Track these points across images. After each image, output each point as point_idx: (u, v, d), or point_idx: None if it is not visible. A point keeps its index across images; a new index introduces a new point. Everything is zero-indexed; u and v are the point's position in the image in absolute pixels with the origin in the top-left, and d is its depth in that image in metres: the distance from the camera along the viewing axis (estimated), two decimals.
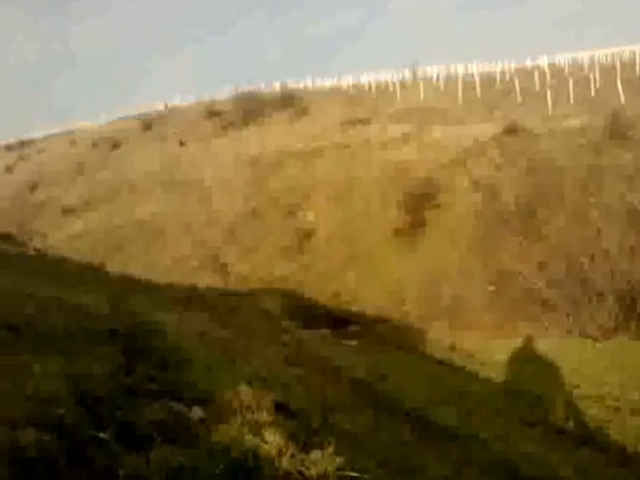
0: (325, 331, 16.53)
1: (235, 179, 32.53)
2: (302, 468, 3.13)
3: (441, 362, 13.51)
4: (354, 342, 15.08)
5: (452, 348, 15.27)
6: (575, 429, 9.55)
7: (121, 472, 2.87)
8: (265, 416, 3.79)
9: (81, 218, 35.81)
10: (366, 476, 3.27)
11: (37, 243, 32.17)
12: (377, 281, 22.24)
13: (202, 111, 48.46)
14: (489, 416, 8.94)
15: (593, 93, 33.34)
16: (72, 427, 3.23)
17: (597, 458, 8.10)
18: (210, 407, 4.01)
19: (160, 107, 57.53)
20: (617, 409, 10.22)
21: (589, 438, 9.09)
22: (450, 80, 43.52)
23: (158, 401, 4.01)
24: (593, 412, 10.14)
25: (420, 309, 20.29)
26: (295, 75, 65.96)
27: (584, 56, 45.47)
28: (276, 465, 3.10)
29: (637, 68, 36.56)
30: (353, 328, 18.55)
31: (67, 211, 37.62)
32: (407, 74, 48.27)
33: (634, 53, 42.36)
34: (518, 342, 13.88)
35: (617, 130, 24.32)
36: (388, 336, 17.22)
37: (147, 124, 50.93)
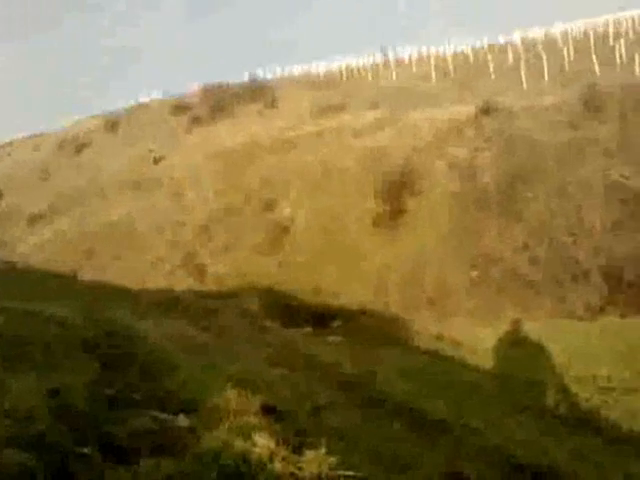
0: (308, 329, 16.57)
1: (207, 175, 32.33)
2: (295, 470, 3.16)
3: (428, 352, 13.62)
4: (338, 338, 15.14)
5: (439, 337, 15.38)
6: (568, 412, 9.69)
7: None
8: (253, 419, 3.82)
9: (49, 225, 35.39)
10: (360, 474, 3.32)
11: (5, 254, 31.81)
12: (358, 273, 22.30)
13: (169, 107, 48.07)
14: (480, 404, 9.05)
15: (567, 67, 33.66)
16: (53, 443, 3.23)
17: (592, 440, 8.24)
18: (196, 414, 4.03)
19: (126, 105, 56.89)
20: (610, 389, 10.38)
21: (583, 420, 9.23)
22: (422, 61, 43.66)
23: (142, 411, 4.02)
24: (586, 394, 10.29)
25: (403, 299, 20.38)
26: (262, 64, 65.45)
27: (557, 30, 45.85)
28: (268, 469, 3.13)
29: (610, 39, 36.95)
30: (336, 323, 18.60)
31: (34, 219, 37.13)
32: (378, 57, 48.35)
33: (607, 24, 42.86)
34: (505, 327, 14.02)
35: (593, 103, 24.56)
36: (373, 329, 17.29)
37: (112, 123, 50.37)
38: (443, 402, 8.33)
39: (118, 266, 27.29)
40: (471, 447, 6.14)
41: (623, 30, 40.06)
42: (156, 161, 36.26)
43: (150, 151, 35.92)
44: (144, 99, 57.27)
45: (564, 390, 10.28)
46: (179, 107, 47.03)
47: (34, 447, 3.15)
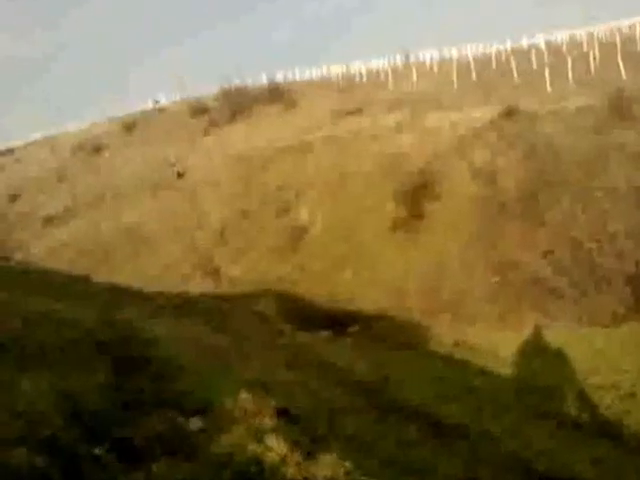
0: (324, 332, 16.56)
1: (224, 178, 32.48)
2: (308, 475, 3.16)
3: (446, 358, 13.55)
4: (355, 342, 15.11)
5: (457, 343, 15.29)
6: (590, 421, 9.59)
7: None
8: (267, 422, 3.83)
9: (64, 227, 35.72)
10: (375, 479, 3.30)
11: (19, 256, 32.15)
12: (375, 278, 22.24)
13: (187, 110, 48.38)
14: (499, 412, 8.98)
15: (593, 71, 33.41)
16: (65, 445, 3.25)
17: (615, 450, 8.14)
18: (209, 416, 4.04)
19: (143, 106, 57.41)
20: (633, 397, 10.25)
21: (605, 429, 9.13)
22: (444, 64, 43.56)
23: (155, 413, 4.04)
24: (608, 402, 10.16)
25: (422, 304, 20.29)
26: (282, 68, 65.72)
27: (582, 32, 45.57)
28: (281, 472, 3.13)
29: (638, 43, 36.64)
30: (353, 328, 18.57)
31: (49, 221, 37.51)
32: (399, 60, 48.32)
33: (634, 27, 42.49)
34: (525, 333, 13.92)
35: (619, 108, 24.34)
36: (389, 334, 17.24)
37: (130, 125, 50.79)
38: (460, 408, 8.28)
39: (133, 269, 27.48)
40: (488, 453, 6.10)
41: None
42: (179, 175, 34.73)
43: (172, 165, 34.35)
44: (162, 101, 57.78)
45: (585, 398, 10.18)
46: (197, 109, 47.38)
47: (46, 448, 3.18)
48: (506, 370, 12.03)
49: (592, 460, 7.31)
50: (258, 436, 3.46)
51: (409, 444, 5.60)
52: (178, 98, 55.93)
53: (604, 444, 8.29)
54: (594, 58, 34.56)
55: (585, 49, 38.38)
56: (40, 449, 3.20)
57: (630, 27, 43.94)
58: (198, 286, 24.05)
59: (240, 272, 26.13)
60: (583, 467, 6.74)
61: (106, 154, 46.67)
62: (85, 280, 16.30)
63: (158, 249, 29.56)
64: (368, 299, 21.35)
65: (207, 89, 52.46)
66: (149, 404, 4.35)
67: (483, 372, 12.03)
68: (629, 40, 38.25)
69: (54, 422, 3.53)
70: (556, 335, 13.75)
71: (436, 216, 23.25)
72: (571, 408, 9.88)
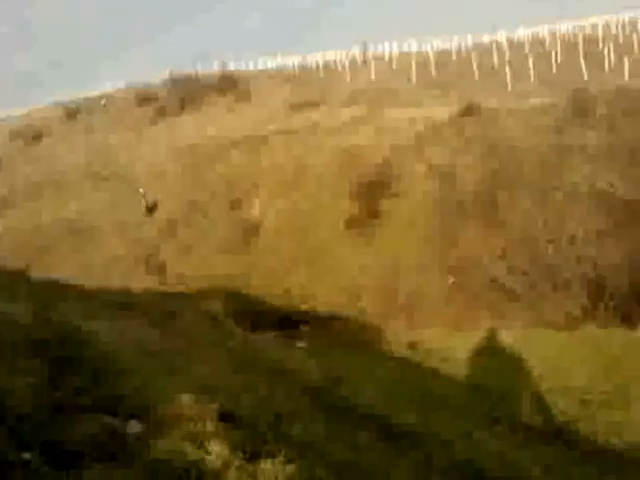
0: (275, 333, 16.53)
1: (172, 171, 32.14)
2: (250, 479, 3.15)
3: (400, 361, 13.66)
4: (306, 344, 15.13)
5: (412, 346, 15.44)
6: (543, 425, 9.79)
7: None
8: (209, 427, 3.79)
9: (1, 218, 34.86)
10: None
11: None
12: (330, 277, 22.31)
13: (134, 97, 47.70)
14: (452, 415, 9.11)
15: (555, 69, 34.10)
16: None
17: (566, 454, 8.33)
18: (148, 420, 3.99)
19: (87, 93, 56.37)
20: (586, 402, 10.49)
21: (558, 433, 9.33)
22: (403, 58, 43.90)
23: (90, 416, 3.96)
24: (561, 406, 10.39)
25: (377, 305, 20.44)
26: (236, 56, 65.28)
27: (545, 30, 46.45)
28: (222, 477, 3.11)
29: (600, 42, 37.54)
30: (305, 328, 18.60)
31: None
32: (357, 53, 48.48)
33: (596, 27, 43.54)
34: (480, 335, 14.12)
35: (580, 108, 24.87)
36: (343, 335, 17.33)
37: (72, 113, 49.85)
38: (413, 412, 8.37)
39: (74, 264, 26.97)
40: (440, 459, 6.17)
41: (612, 33, 40.76)
42: (150, 209, 30.27)
43: (142, 197, 30.47)
44: (107, 88, 56.85)
45: (539, 402, 10.39)
46: (144, 97, 46.72)
47: None
48: (460, 372, 12.20)
49: (544, 464, 7.47)
50: (199, 440, 3.43)
51: (359, 448, 5.62)
52: (124, 85, 55.07)
53: (556, 448, 8.48)
54: (556, 57, 35.28)
55: (547, 47, 39.15)
56: None
57: (592, 27, 45.00)
58: (143, 282, 23.72)
59: (188, 268, 25.90)
60: (535, 471, 6.88)
61: (47, 142, 45.68)
62: (21, 274, 15.91)
63: (101, 242, 29.09)
64: (322, 299, 21.42)
65: (155, 76, 51.87)
66: (84, 407, 4.27)
67: (437, 375, 12.18)
68: (591, 40, 39.16)
69: None
70: (511, 337, 13.99)
71: (392, 214, 23.44)
72: (524, 411, 10.07)
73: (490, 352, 13.06)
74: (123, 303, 13.78)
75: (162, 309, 14.25)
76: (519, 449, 7.91)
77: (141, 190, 30.55)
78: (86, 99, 54.28)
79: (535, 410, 10.08)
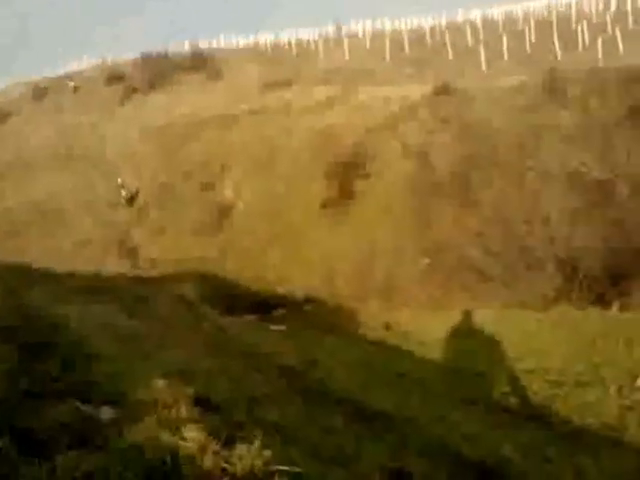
0: (249, 317, 16.54)
1: (142, 151, 31.85)
2: (226, 465, 3.15)
3: (375, 343, 13.74)
4: (281, 327, 15.15)
5: (387, 327, 15.53)
6: (518, 406, 9.91)
7: None
8: (184, 412, 3.79)
9: None
10: (297, 469, 3.32)
11: None
12: (304, 259, 22.34)
13: (103, 77, 47.05)
14: (427, 397, 9.19)
15: (529, 49, 34.26)
16: None
17: (542, 435, 8.45)
18: (122, 406, 3.97)
19: (56, 72, 55.39)
20: (561, 382, 10.63)
21: (533, 414, 9.45)
22: (377, 37, 43.80)
23: (62, 402, 3.94)
24: (537, 387, 10.51)
25: (351, 287, 20.53)
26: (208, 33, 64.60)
27: (519, 9, 46.60)
28: (197, 463, 3.11)
29: (573, 21, 37.76)
30: (279, 311, 18.63)
31: None
32: (330, 31, 48.27)
33: (570, 5, 43.75)
34: (456, 317, 14.22)
35: (554, 88, 25.01)
36: (318, 318, 17.37)
37: (40, 91, 49.06)
38: (388, 395, 8.44)
39: (43, 247, 26.70)
40: (415, 441, 6.24)
41: (586, 12, 40.98)
42: (129, 201, 29.23)
43: (121, 187, 29.14)
44: (75, 67, 55.94)
45: (513, 383, 10.51)
46: (114, 76, 46.11)
47: None
48: (435, 354, 12.29)
49: (520, 445, 7.58)
50: (173, 426, 3.42)
51: (334, 431, 5.66)
52: (93, 63, 54.26)
53: (532, 429, 8.60)
54: (530, 36, 35.44)
55: (521, 26, 39.28)
56: None
57: (566, 5, 45.22)
58: (114, 266, 23.58)
59: (160, 252, 25.79)
60: (510, 452, 6.98)
61: (13, 122, 44.92)
62: None
63: (71, 225, 28.82)
64: (296, 281, 21.45)
65: (125, 55, 51.18)
66: (56, 393, 4.24)
67: (412, 357, 12.27)
68: (565, 19, 39.37)
69: None
70: (486, 318, 14.11)
71: (367, 195, 23.49)
72: (500, 392, 10.19)
73: (465, 333, 13.16)
74: (94, 287, 13.67)
75: (134, 293, 14.16)
76: (494, 430, 8.02)
77: (119, 180, 29.42)
78: (55, 78, 53.39)
79: (510, 391, 10.21)
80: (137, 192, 29.23)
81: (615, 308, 14.70)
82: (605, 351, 11.62)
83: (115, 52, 58.58)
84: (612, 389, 10.05)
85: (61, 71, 55.84)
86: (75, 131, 37.54)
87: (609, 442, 8.36)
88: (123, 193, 28.88)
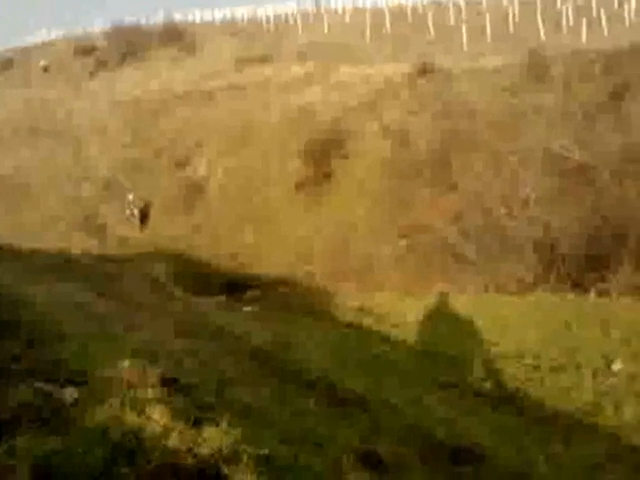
0: (221, 297, 16.51)
1: (112, 126, 31.51)
2: (192, 445, 3.14)
3: (349, 326, 13.78)
4: (254, 308, 15.15)
5: (361, 310, 15.56)
6: (493, 390, 10.00)
7: None
8: (150, 393, 3.77)
9: None
10: (264, 450, 3.32)
11: None
12: (278, 240, 22.33)
13: (71, 49, 46.40)
14: (400, 381, 9.25)
15: (512, 29, 34.31)
16: None
17: (516, 420, 8.56)
18: (86, 387, 3.95)
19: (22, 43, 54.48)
20: (536, 367, 10.75)
21: (508, 398, 9.55)
22: (357, 13, 43.59)
23: (24, 382, 3.90)
24: (512, 371, 10.62)
25: (327, 269, 20.56)
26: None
27: None
28: (162, 444, 3.10)
29: (558, 2, 37.83)
30: (252, 293, 18.61)
31: None
32: (309, 6, 47.96)
33: None
34: (432, 300, 14.31)
35: (537, 69, 25.09)
36: (291, 300, 17.38)
37: (5, 63, 48.32)
38: (362, 377, 8.49)
39: (8, 223, 26.38)
40: (388, 424, 6.28)
41: None
42: (142, 218, 26.67)
43: (129, 204, 26.58)
44: (43, 37, 55.06)
45: (488, 367, 10.61)
46: (84, 48, 45.52)
47: None
48: (410, 337, 12.37)
49: (493, 429, 7.67)
50: (139, 407, 3.40)
51: (306, 414, 5.68)
52: (62, 35, 53.41)
53: (506, 413, 8.71)
54: (514, 16, 35.48)
55: (505, 6, 39.28)
56: None
57: None
58: (82, 244, 23.36)
59: (129, 230, 25.59)
60: (483, 435, 7.06)
61: None
62: None
63: (37, 202, 28.50)
64: (270, 261, 21.45)
65: (95, 26, 50.46)
66: (18, 372, 4.20)
67: (387, 339, 12.32)
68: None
69: None
70: (463, 302, 14.22)
71: (344, 175, 23.50)
72: (475, 376, 10.28)
73: (441, 317, 13.25)
74: (61, 265, 13.57)
75: (102, 272, 14.08)
76: (468, 415, 8.09)
77: (130, 197, 26.64)
78: (22, 49, 52.49)
79: (486, 375, 10.30)
80: (147, 206, 26.86)
81: (592, 294, 14.85)
82: (581, 336, 11.77)
83: (85, 22, 57.80)
84: (587, 374, 10.19)
85: (29, 41, 54.97)
86: (43, 104, 37.02)
87: (583, 427, 8.49)
88: (135, 212, 26.47)
